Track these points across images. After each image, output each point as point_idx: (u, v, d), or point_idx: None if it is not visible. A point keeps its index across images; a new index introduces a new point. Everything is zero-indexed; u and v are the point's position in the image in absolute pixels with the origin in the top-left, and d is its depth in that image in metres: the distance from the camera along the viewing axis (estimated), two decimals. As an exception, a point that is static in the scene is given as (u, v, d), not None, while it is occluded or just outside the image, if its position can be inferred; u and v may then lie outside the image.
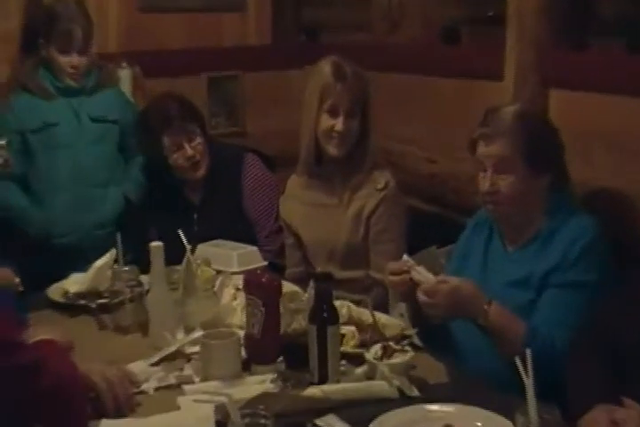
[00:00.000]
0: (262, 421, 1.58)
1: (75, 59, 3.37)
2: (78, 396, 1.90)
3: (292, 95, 4.15)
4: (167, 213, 3.36)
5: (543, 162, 2.38)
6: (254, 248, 3.02)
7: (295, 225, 3.16)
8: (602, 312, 2.13)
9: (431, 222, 3.28)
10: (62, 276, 2.93)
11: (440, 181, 3.44)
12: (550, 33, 2.85)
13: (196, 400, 1.98)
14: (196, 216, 3.38)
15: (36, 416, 1.79)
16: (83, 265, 2.95)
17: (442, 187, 3.43)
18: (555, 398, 1.78)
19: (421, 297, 2.23)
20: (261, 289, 2.18)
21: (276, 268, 3.10)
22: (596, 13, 2.93)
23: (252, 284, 2.20)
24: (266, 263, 2.99)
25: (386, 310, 2.61)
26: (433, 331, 2.42)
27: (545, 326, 2.26)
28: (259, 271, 2.26)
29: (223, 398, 1.74)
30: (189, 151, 3.26)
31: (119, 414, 2.00)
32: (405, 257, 2.36)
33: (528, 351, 1.67)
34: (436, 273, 2.32)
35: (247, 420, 1.58)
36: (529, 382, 1.64)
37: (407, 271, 2.31)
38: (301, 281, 2.75)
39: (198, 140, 3.30)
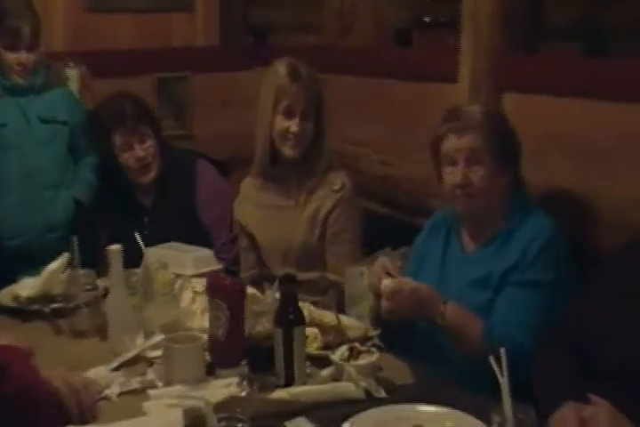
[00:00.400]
0: (239, 425, 1.57)
1: (22, 55, 3.32)
2: (43, 402, 1.87)
3: (241, 97, 4.15)
4: (118, 215, 3.33)
5: (507, 159, 2.43)
6: (209, 251, 3.00)
7: (250, 227, 3.15)
8: (565, 311, 2.17)
9: (385, 224, 3.30)
10: (12, 280, 2.88)
11: (394, 184, 3.46)
12: (504, 37, 2.89)
13: (168, 405, 1.96)
14: (146, 220, 3.34)
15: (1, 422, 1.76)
16: (33, 269, 2.93)
17: (395, 189, 3.45)
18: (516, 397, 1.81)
19: (383, 302, 2.24)
20: (225, 292, 2.17)
21: (232, 275, 3.08)
22: (551, 19, 2.97)
23: (216, 287, 2.19)
24: (221, 266, 2.97)
25: (341, 312, 2.62)
26: (397, 331, 2.43)
27: (503, 325, 2.29)
28: (222, 275, 2.24)
29: (197, 402, 1.73)
30: (140, 152, 3.23)
31: (83, 420, 1.96)
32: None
33: (502, 351, 1.68)
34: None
35: (224, 423, 1.57)
36: (504, 381, 1.65)
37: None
38: (255, 284, 2.75)
39: (150, 142, 3.26)
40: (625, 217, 2.51)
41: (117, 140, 3.22)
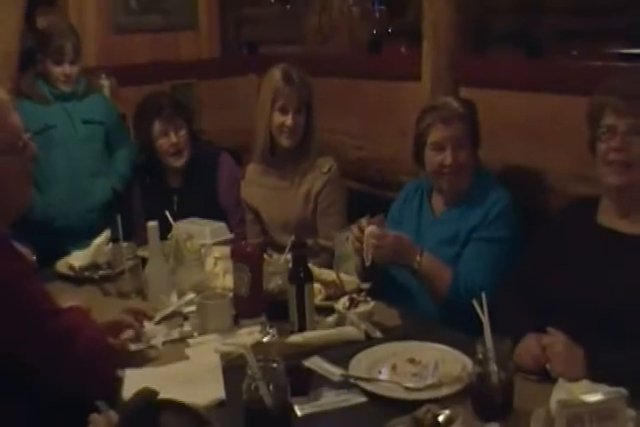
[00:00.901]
0: (274, 365, 1.54)
1: (67, 68, 3.29)
2: (106, 356, 1.83)
3: (238, 98, 4.11)
4: (152, 195, 3.28)
5: (477, 139, 2.43)
6: (222, 224, 2.95)
7: (256, 205, 3.11)
8: (517, 263, 2.16)
9: (361, 198, 3.26)
10: (62, 252, 2.82)
11: (366, 164, 3.43)
12: (459, 42, 2.85)
13: (214, 350, 1.92)
14: (176, 199, 3.28)
15: (72, 375, 1.71)
16: (77, 242, 2.90)
17: (367, 169, 3.42)
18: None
19: (373, 241, 2.17)
20: (247, 257, 2.13)
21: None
22: (496, 27, 2.95)
23: (240, 253, 2.15)
24: (232, 236, 2.93)
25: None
26: (380, 284, 2.39)
27: (468, 274, 2.28)
28: (243, 243, 2.20)
29: (237, 348, 1.71)
30: (174, 139, 3.17)
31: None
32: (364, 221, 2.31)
33: (483, 294, 1.66)
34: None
35: (261, 364, 1.53)
36: (485, 318, 1.62)
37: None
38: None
39: (183, 132, 3.21)
40: (564, 187, 2.49)
41: (156, 126, 3.16)
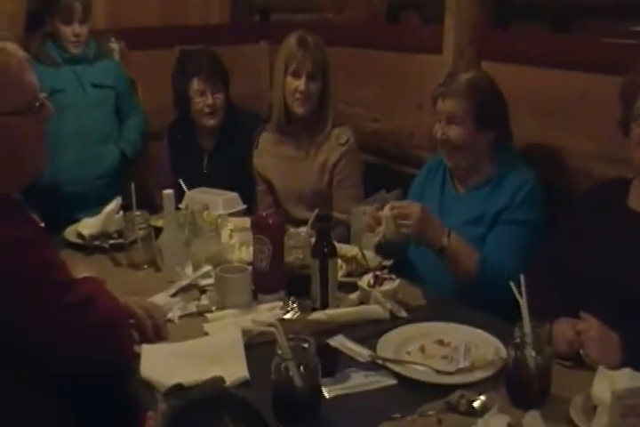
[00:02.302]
0: (305, 344, 1.47)
1: (76, 28, 3.18)
2: (125, 326, 1.75)
3: (248, 66, 3.99)
4: (183, 153, 3.24)
5: (488, 120, 2.31)
6: (235, 194, 2.86)
7: (268, 175, 3.02)
8: (543, 245, 2.08)
9: (377, 171, 3.17)
10: (69, 219, 2.73)
11: (382, 137, 3.33)
12: (483, 14, 2.73)
13: (243, 329, 1.82)
14: (206, 160, 3.24)
15: (90, 348, 1.63)
16: (85, 210, 2.82)
17: (384, 142, 3.32)
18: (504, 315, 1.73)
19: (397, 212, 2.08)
20: (269, 229, 2.02)
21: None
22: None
23: (260, 225, 2.05)
24: (245, 206, 2.85)
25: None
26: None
27: (494, 256, 2.19)
28: (265, 214, 2.10)
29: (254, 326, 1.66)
30: (210, 100, 3.13)
31: (158, 336, 1.85)
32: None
33: (522, 277, 1.58)
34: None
35: (292, 343, 1.46)
36: (523, 302, 1.55)
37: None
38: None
39: (220, 94, 3.17)
40: (591, 168, 2.40)
41: (195, 85, 3.13)
